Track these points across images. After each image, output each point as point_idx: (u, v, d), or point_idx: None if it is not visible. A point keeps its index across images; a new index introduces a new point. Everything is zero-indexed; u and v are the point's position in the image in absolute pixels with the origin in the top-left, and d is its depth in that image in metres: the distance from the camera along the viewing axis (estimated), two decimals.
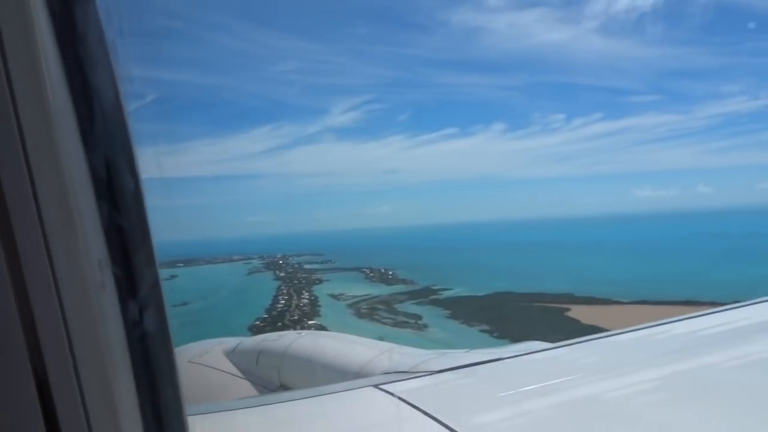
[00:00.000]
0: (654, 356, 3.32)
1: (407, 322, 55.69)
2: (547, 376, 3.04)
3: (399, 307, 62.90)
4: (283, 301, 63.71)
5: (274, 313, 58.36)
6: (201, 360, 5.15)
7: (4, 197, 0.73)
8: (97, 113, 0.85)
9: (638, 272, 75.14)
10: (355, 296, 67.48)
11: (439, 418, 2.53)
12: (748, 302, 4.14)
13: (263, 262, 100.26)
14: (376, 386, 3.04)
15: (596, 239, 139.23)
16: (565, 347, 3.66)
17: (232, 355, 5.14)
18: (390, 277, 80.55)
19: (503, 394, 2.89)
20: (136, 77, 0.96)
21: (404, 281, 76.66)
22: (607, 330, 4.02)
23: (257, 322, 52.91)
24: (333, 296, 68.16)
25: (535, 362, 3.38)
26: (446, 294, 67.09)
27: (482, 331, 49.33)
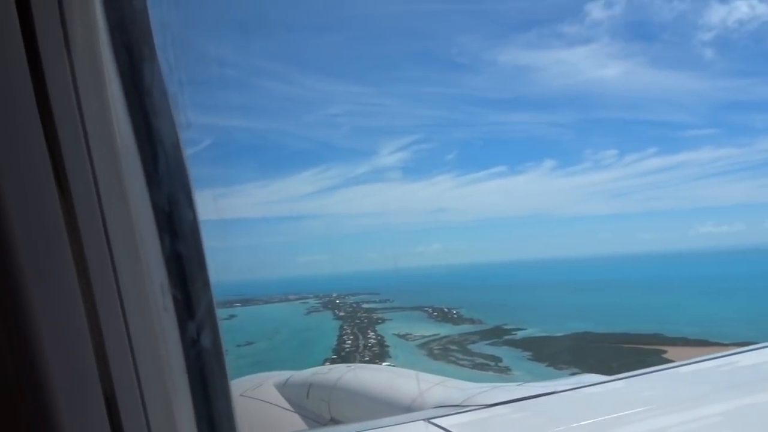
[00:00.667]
0: (715, 390, 3.24)
1: (487, 365, 52.39)
2: (602, 411, 3.01)
3: (473, 348, 59.86)
4: (350, 341, 61.78)
5: (343, 353, 56.45)
6: (253, 394, 5.12)
7: (78, 229, 0.81)
8: (159, 154, 0.94)
9: (721, 311, 69.92)
10: (423, 336, 64.70)
11: None
12: None
13: (320, 301, 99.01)
14: (427, 420, 3.04)
15: (662, 276, 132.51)
16: (621, 380, 3.61)
17: (283, 388, 5.13)
18: (455, 316, 77.42)
19: (557, 429, 2.84)
20: (194, 123, 1.05)
21: (471, 320, 73.32)
22: None
23: (327, 363, 50.94)
24: (400, 336, 65.66)
25: (590, 396, 3.36)
26: (521, 334, 63.32)
27: (574, 375, 45.32)
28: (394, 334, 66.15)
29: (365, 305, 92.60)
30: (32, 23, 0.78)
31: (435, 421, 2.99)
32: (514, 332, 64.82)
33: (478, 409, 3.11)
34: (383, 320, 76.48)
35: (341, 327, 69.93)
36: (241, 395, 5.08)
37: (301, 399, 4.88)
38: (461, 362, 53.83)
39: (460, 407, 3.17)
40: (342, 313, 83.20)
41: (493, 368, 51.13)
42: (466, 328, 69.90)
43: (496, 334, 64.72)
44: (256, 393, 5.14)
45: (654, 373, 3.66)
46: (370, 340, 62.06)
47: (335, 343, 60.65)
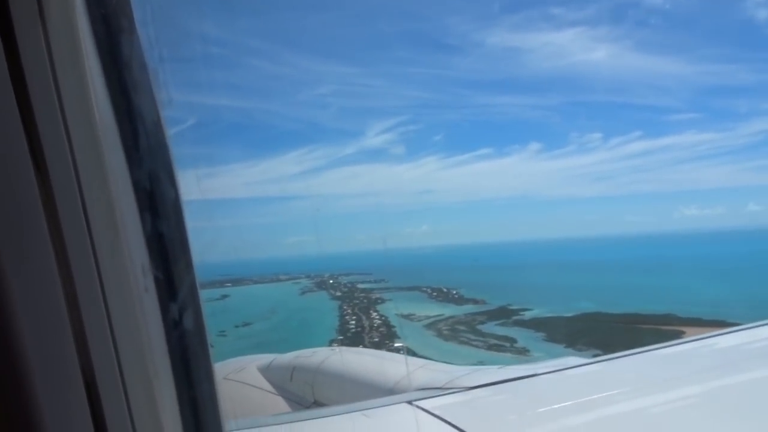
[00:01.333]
0: (694, 371, 3.33)
1: (502, 345, 50.78)
2: (583, 392, 3.06)
3: (483, 328, 58.07)
4: (353, 322, 59.69)
5: (349, 334, 54.41)
6: (236, 376, 5.12)
7: (56, 208, 0.78)
8: (139, 131, 0.91)
9: (725, 292, 68.95)
10: (427, 316, 62.86)
11: None
12: None
13: (312, 281, 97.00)
14: (410, 402, 3.06)
15: (653, 257, 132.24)
16: (602, 363, 3.81)
17: (266, 371, 5.16)
18: (456, 296, 75.80)
19: (538, 410, 2.89)
20: (177, 101, 1.03)
21: (474, 301, 71.65)
22: None
23: (335, 344, 48.84)
24: (404, 317, 63.70)
25: (571, 378, 3.42)
26: (528, 315, 61.74)
27: (596, 356, 43.65)
28: (397, 315, 64.11)
29: (360, 285, 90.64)
30: None
31: (418, 403, 3.02)
32: (521, 312, 63.14)
33: (461, 391, 3.16)
34: (382, 300, 74.40)
35: (341, 307, 67.96)
36: (224, 378, 5.05)
37: (284, 382, 4.92)
38: (474, 343, 52.17)
39: (442, 389, 3.21)
40: (338, 294, 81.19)
41: (509, 349, 49.41)
42: (470, 308, 68.15)
43: (503, 314, 63.00)
44: (239, 376, 5.13)
45: (633, 356, 3.67)
46: (374, 321, 59.97)
47: (338, 324, 58.50)
